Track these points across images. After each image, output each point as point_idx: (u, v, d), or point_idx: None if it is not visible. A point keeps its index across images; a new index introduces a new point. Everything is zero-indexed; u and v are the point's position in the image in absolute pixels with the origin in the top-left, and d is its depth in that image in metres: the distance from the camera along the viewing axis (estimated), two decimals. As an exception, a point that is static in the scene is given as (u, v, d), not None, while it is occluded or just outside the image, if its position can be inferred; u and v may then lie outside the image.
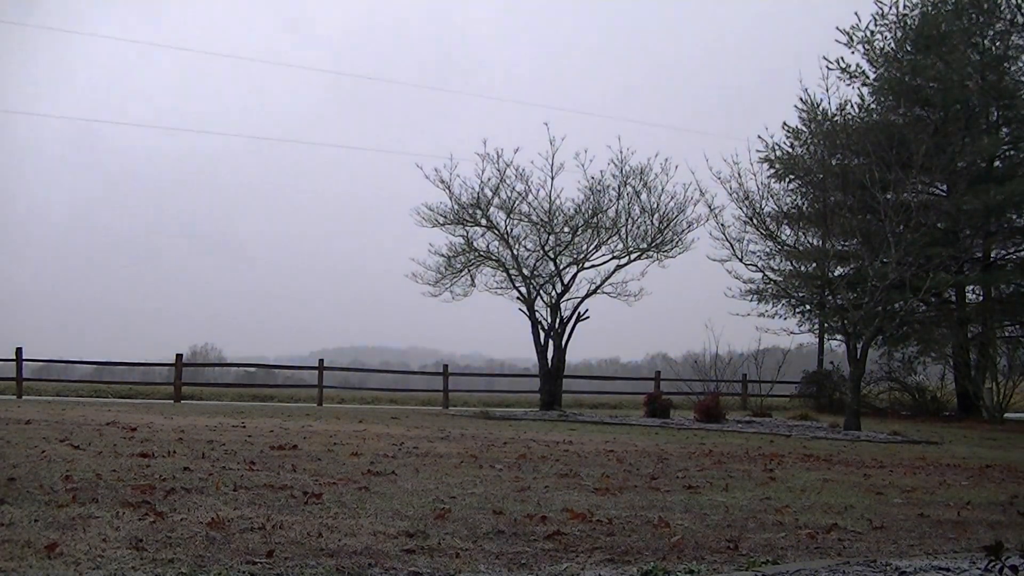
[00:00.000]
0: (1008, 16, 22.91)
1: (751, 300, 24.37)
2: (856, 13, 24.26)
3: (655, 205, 19.94)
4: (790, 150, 24.16)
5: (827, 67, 23.65)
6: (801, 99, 23.71)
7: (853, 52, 24.51)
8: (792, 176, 23.85)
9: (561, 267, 20.27)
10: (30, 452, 7.33)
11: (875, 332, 17.37)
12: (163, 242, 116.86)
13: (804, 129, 24.06)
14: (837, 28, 24.29)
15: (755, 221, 19.18)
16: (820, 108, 22.99)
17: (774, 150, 23.94)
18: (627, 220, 19.99)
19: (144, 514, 4.62)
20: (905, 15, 24.10)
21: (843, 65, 24.24)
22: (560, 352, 19.98)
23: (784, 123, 24.45)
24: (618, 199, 19.94)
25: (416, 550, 4.09)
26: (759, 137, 23.84)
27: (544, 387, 19.98)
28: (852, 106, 23.95)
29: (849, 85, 25.11)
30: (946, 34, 23.03)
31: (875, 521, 5.54)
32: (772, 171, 23.82)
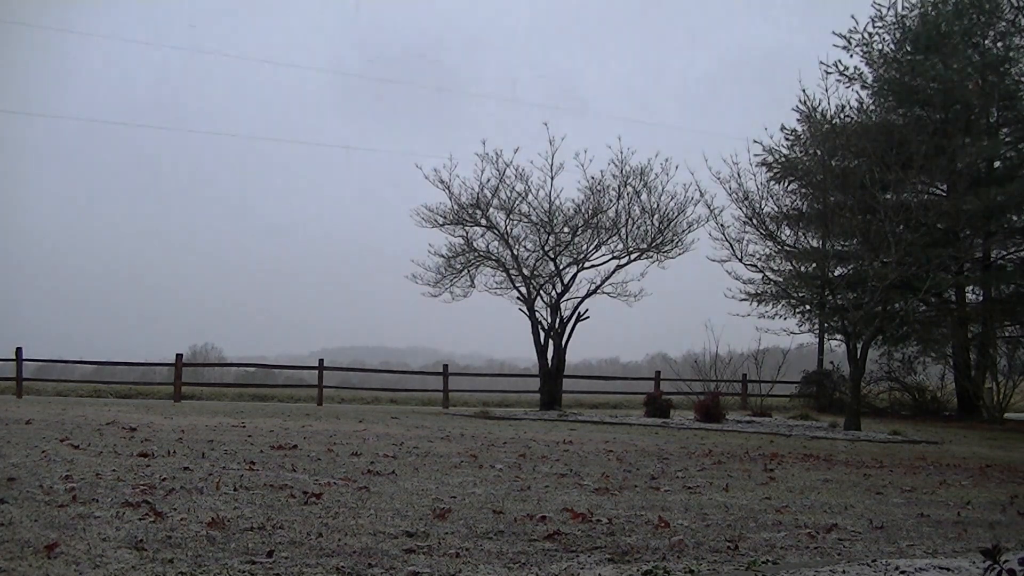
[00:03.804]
0: (1010, 16, 22.89)
1: (751, 303, 24.34)
2: (853, 16, 24.27)
3: (655, 205, 19.95)
4: (788, 152, 24.11)
5: (826, 71, 23.64)
6: (800, 100, 23.68)
7: (852, 55, 24.52)
8: (791, 178, 23.82)
9: (561, 267, 20.27)
10: (30, 452, 7.33)
11: (875, 332, 17.36)
12: (163, 242, 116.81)
13: (803, 130, 24.01)
14: (834, 32, 24.31)
15: (755, 221, 19.17)
16: (819, 110, 22.98)
17: (772, 153, 23.89)
18: (627, 220, 20.00)
19: (144, 514, 4.62)
20: (904, 16, 24.09)
21: (841, 68, 24.24)
22: (560, 352, 19.98)
23: (782, 125, 24.43)
24: (618, 199, 19.94)
25: (416, 550, 4.09)
26: (755, 141, 23.75)
27: (544, 387, 19.98)
28: (850, 109, 23.92)
29: (848, 87, 25.10)
30: (946, 34, 23.01)
31: (875, 521, 5.54)
32: (771, 174, 23.77)
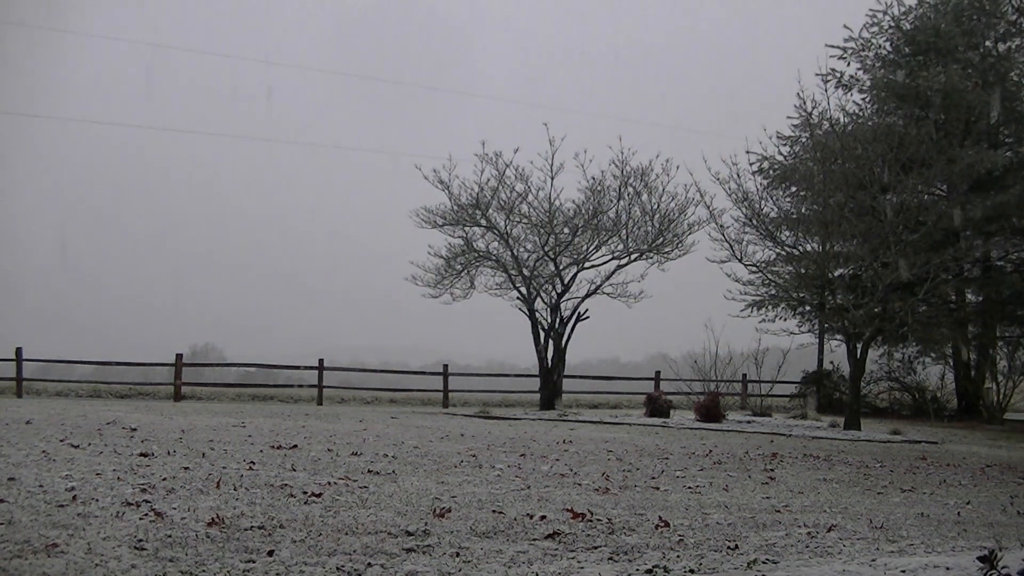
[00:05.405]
0: (1012, 16, 22.83)
1: (751, 310, 24.25)
2: (846, 25, 24.30)
3: (655, 206, 19.94)
4: (783, 159, 23.97)
5: (823, 79, 23.59)
6: (796, 106, 23.55)
7: (848, 64, 24.50)
8: (788, 183, 23.71)
9: (561, 267, 20.26)
10: (30, 452, 7.33)
11: (875, 332, 17.35)
12: (163, 242, 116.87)
13: (799, 135, 23.90)
14: (827, 44, 24.36)
15: (754, 222, 19.14)
16: (818, 110, 22.87)
17: (767, 159, 23.75)
18: (627, 221, 19.99)
19: (144, 513, 4.62)
20: (901, 19, 24.05)
21: (838, 75, 24.21)
22: (560, 352, 19.99)
23: (778, 132, 24.28)
24: (618, 200, 19.93)
25: (416, 549, 4.09)
26: (747, 152, 23.61)
27: (544, 387, 19.98)
28: (845, 114, 23.78)
29: (847, 93, 25.03)
30: (946, 36, 22.99)
31: (875, 521, 5.54)
32: (767, 181, 23.64)
